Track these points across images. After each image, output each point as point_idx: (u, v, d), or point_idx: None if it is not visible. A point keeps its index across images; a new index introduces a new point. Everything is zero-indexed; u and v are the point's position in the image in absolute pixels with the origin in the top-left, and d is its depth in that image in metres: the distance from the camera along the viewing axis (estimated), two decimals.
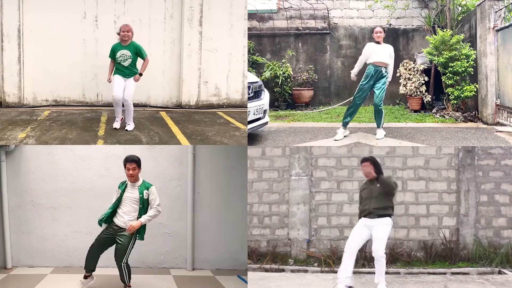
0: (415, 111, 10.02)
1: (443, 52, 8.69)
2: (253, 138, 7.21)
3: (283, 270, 6.08)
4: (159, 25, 8.59)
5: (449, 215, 6.40)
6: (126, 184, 4.87)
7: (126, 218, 4.79)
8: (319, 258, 6.27)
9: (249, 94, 6.52)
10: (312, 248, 6.49)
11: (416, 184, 6.45)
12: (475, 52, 8.63)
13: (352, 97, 7.34)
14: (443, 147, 6.57)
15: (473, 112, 8.91)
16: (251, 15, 11.22)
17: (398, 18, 11.54)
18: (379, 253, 4.63)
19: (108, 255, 4.84)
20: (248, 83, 6.61)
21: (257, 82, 6.83)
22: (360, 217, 4.85)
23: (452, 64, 8.56)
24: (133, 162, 4.79)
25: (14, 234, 5.95)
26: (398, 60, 10.63)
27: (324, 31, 11.57)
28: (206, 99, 8.89)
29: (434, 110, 9.59)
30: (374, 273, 5.52)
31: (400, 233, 6.39)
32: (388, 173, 6.46)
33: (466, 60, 8.50)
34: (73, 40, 8.26)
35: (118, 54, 6.20)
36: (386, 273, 5.60)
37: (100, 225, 4.86)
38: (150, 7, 8.51)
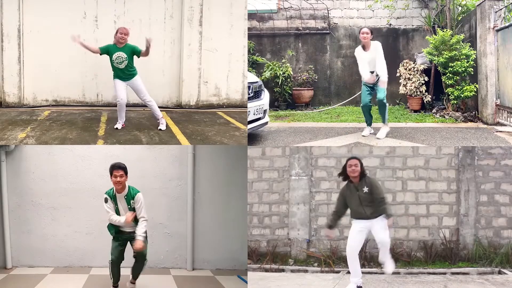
0: (415, 111, 10.02)
1: (443, 52, 8.69)
2: (253, 138, 7.21)
3: (283, 270, 6.08)
4: (159, 25, 8.59)
5: (449, 215, 6.39)
6: (115, 194, 4.72)
7: (129, 226, 4.75)
8: (319, 258, 6.27)
9: (249, 94, 6.52)
10: (312, 248, 6.49)
11: (416, 184, 6.45)
12: (475, 52, 8.63)
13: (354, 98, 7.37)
14: (443, 147, 6.57)
15: (473, 112, 8.91)
16: (251, 15, 11.22)
17: (398, 18, 11.54)
18: (385, 240, 4.61)
19: (108, 255, 4.83)
20: (248, 83, 6.61)
21: (257, 82, 6.83)
22: (334, 220, 4.84)
23: (452, 64, 8.56)
24: (120, 169, 4.61)
25: (14, 234, 5.96)
26: (398, 60, 10.67)
27: (324, 31, 11.57)
28: (206, 99, 8.89)
29: (434, 110, 9.59)
30: (375, 273, 5.55)
31: (400, 233, 6.39)
32: (388, 173, 6.47)
33: (466, 60, 8.50)
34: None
35: (114, 56, 6.11)
36: (386, 273, 5.62)
37: (112, 234, 4.82)
38: (150, 7, 8.51)
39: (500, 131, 7.72)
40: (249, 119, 6.44)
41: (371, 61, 6.80)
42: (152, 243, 5.88)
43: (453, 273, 5.75)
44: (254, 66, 11.03)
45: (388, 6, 11.26)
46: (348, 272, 5.71)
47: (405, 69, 10.27)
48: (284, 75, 10.64)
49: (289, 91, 10.86)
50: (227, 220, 6.23)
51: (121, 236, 4.79)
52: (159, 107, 8.54)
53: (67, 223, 6.06)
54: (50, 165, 6.07)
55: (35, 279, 5.40)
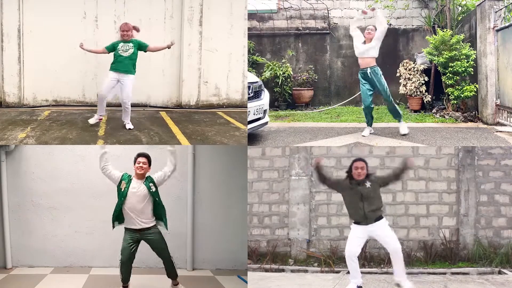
0: (415, 111, 10.02)
1: (443, 52, 8.69)
2: (253, 138, 7.21)
3: (283, 270, 6.08)
4: (159, 25, 8.59)
5: (449, 215, 6.39)
6: (131, 179, 4.79)
7: (142, 218, 4.72)
8: (319, 258, 6.27)
9: (249, 94, 6.52)
10: (312, 248, 6.49)
11: (416, 184, 6.45)
12: (475, 52, 8.63)
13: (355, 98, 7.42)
14: (443, 147, 6.57)
15: (473, 112, 8.91)
16: (251, 15, 11.22)
17: (398, 18, 11.54)
18: (396, 246, 4.46)
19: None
20: (248, 83, 6.61)
21: (257, 82, 6.83)
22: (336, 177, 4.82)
23: (452, 64, 8.56)
24: (144, 157, 4.80)
25: (14, 234, 5.96)
26: (398, 60, 10.68)
27: (324, 31, 11.57)
28: (206, 99, 8.89)
29: (434, 110, 9.60)
30: (375, 273, 5.53)
31: (400, 233, 6.38)
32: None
33: (466, 60, 8.50)
34: (73, 40, 8.20)
35: (120, 45, 6.10)
36: (386, 273, 5.63)
37: (114, 226, 4.77)
38: (150, 7, 8.51)
39: (500, 131, 7.72)
40: (249, 119, 6.45)
41: (364, 51, 6.96)
42: None
43: (453, 273, 5.75)
44: (254, 66, 11.03)
45: (388, 6, 11.25)
46: (348, 272, 5.72)
47: (405, 69, 10.27)
48: (284, 75, 10.64)
49: (289, 91, 10.86)
50: (227, 220, 6.23)
51: (132, 235, 4.72)
52: (159, 107, 8.62)
53: (67, 223, 6.06)
54: (50, 165, 6.07)
55: (35, 279, 5.40)
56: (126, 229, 4.77)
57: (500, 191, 6.40)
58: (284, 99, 10.89)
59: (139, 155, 4.83)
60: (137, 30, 6.33)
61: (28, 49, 8.12)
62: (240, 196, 6.26)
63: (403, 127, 7.40)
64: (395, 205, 6.42)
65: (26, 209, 6.01)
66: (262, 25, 11.61)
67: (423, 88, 9.92)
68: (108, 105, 8.35)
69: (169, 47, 6.42)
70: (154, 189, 4.77)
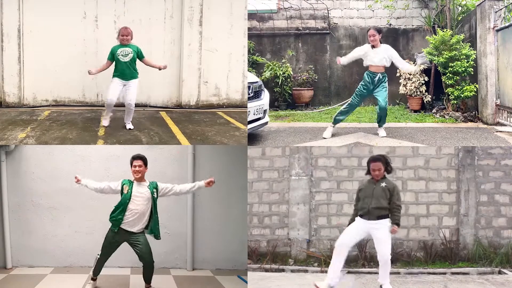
0: (415, 111, 10.02)
1: (443, 52, 8.69)
2: (253, 138, 7.21)
3: (283, 270, 6.08)
4: (159, 25, 8.58)
5: (449, 215, 6.39)
6: (132, 182, 4.79)
7: (142, 221, 4.74)
8: (319, 258, 6.27)
9: (249, 94, 6.52)
10: (312, 248, 6.49)
11: (416, 184, 6.45)
12: (475, 52, 8.63)
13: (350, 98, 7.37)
14: (443, 147, 6.57)
15: (473, 112, 8.91)
16: (251, 15, 11.21)
17: (398, 18, 11.55)
18: (386, 256, 4.48)
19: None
20: (248, 83, 6.61)
21: (257, 82, 6.83)
22: (354, 215, 4.72)
23: (452, 64, 8.56)
24: (139, 159, 4.76)
25: (14, 234, 5.96)
26: None
27: (324, 31, 11.57)
28: (206, 99, 8.89)
29: (434, 110, 9.60)
30: (375, 273, 5.52)
31: (400, 233, 6.36)
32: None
33: (466, 60, 8.50)
34: (73, 40, 8.25)
35: (119, 51, 6.13)
36: None
37: (115, 230, 4.72)
38: (150, 7, 8.51)
39: (500, 131, 7.72)
40: (249, 119, 6.45)
41: (379, 58, 6.76)
42: (152, 243, 5.87)
43: (453, 273, 5.75)
44: (254, 66, 11.03)
45: (388, 6, 11.26)
46: (348, 272, 5.73)
47: None
48: (284, 75, 10.64)
49: (289, 91, 10.86)
50: (227, 220, 6.23)
51: (119, 236, 4.72)
52: (159, 107, 8.62)
53: (67, 223, 6.06)
54: (50, 165, 6.07)
55: (35, 279, 5.40)
56: (119, 229, 4.73)
57: (500, 191, 6.40)
58: (284, 99, 10.89)
59: (134, 158, 4.79)
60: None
61: (28, 49, 8.11)
62: (240, 196, 6.26)
63: (383, 130, 7.34)
64: None
65: (26, 209, 6.01)
66: (262, 25, 11.61)
67: (423, 88, 9.93)
68: None
69: (160, 69, 6.44)
70: (155, 195, 4.80)
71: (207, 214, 6.23)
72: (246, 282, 5.38)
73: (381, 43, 6.85)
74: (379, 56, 6.76)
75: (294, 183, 6.57)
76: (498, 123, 8.29)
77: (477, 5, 8.85)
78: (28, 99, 8.27)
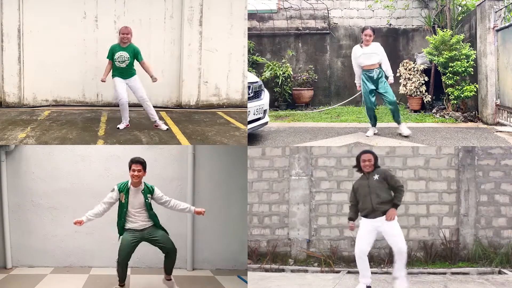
0: (415, 111, 10.02)
1: (443, 52, 8.69)
2: (253, 138, 7.21)
3: (283, 270, 6.08)
4: (159, 25, 8.59)
5: (449, 215, 6.39)
6: (128, 188, 4.73)
7: (142, 219, 4.74)
8: (319, 258, 6.27)
9: (249, 94, 6.52)
10: (312, 248, 6.49)
11: (416, 184, 6.44)
12: (475, 52, 8.63)
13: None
14: (443, 147, 6.57)
15: (473, 112, 8.91)
16: (251, 15, 11.22)
17: (398, 18, 11.55)
18: (403, 248, 4.47)
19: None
20: (248, 83, 6.61)
21: (257, 82, 6.83)
22: (352, 213, 4.74)
23: (452, 64, 8.56)
24: (138, 164, 4.68)
25: (14, 234, 5.96)
26: (398, 60, 10.67)
27: (324, 31, 11.57)
28: (206, 99, 8.89)
29: (434, 110, 9.60)
30: (375, 273, 5.52)
31: None
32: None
33: (466, 60, 8.50)
34: (73, 40, 8.26)
35: (117, 55, 6.18)
36: (386, 273, 5.64)
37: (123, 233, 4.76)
38: (150, 7, 8.52)
39: (500, 131, 7.72)
40: (249, 119, 6.44)
41: (368, 56, 6.89)
42: None
43: (453, 273, 5.74)
44: (254, 66, 11.03)
45: (388, 6, 11.27)
46: (348, 272, 5.74)
47: (405, 69, 10.27)
48: (284, 75, 10.64)
49: (289, 91, 10.86)
50: (227, 220, 6.23)
51: (134, 235, 4.71)
52: (159, 107, 8.62)
53: (67, 223, 6.03)
54: (50, 165, 6.07)
55: (35, 279, 5.40)
56: (126, 229, 4.75)
57: (500, 191, 6.40)
58: (284, 99, 10.89)
59: (134, 161, 4.70)
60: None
61: (28, 49, 8.12)
62: (240, 196, 6.26)
63: (404, 127, 7.37)
64: None
65: (26, 209, 6.01)
66: (262, 25, 11.61)
67: (423, 88, 9.92)
68: (108, 105, 8.41)
69: (152, 78, 6.45)
70: (149, 201, 4.77)
71: (207, 214, 6.20)
72: (246, 282, 5.38)
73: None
74: (368, 54, 6.88)
75: (294, 183, 6.57)
76: (498, 123, 8.29)
77: (477, 5, 8.85)
78: (28, 99, 8.27)
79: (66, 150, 6.09)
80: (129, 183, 4.75)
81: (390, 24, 11.54)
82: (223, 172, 6.27)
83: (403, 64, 10.40)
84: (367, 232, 4.58)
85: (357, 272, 5.74)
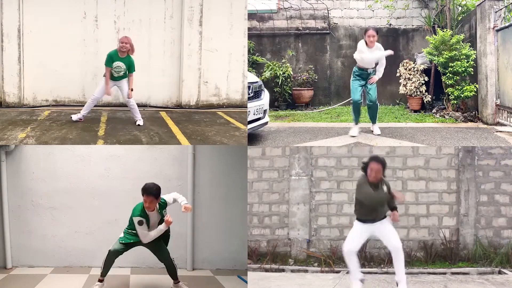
0: (415, 111, 10.02)
1: (443, 52, 8.69)
2: (253, 138, 7.21)
3: (283, 270, 6.08)
4: (159, 25, 8.59)
5: (449, 215, 6.39)
6: (146, 213, 4.65)
7: (152, 233, 4.74)
8: (319, 258, 6.27)
9: (249, 94, 6.52)
10: (312, 248, 6.49)
11: (416, 184, 6.45)
12: (475, 52, 8.63)
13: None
14: (443, 147, 6.57)
15: (473, 112, 8.91)
16: (251, 15, 11.21)
17: (398, 18, 11.54)
18: (398, 244, 4.47)
19: (105, 254, 4.82)
20: (248, 83, 6.61)
21: (257, 82, 6.83)
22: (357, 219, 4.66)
23: (452, 64, 8.56)
24: (150, 196, 4.53)
25: (14, 234, 5.95)
26: (398, 60, 10.67)
27: (324, 31, 11.57)
28: (206, 99, 8.89)
29: (434, 110, 9.59)
30: (375, 273, 5.52)
31: (400, 233, 6.32)
32: (388, 173, 6.45)
33: (466, 60, 8.50)
34: (73, 40, 8.26)
35: (114, 64, 6.41)
36: (386, 273, 5.64)
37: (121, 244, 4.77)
38: (150, 7, 8.52)
39: (500, 131, 7.72)
40: (249, 119, 6.45)
41: (370, 61, 6.94)
42: None
43: (453, 273, 5.75)
44: (254, 66, 11.03)
45: (388, 6, 11.26)
46: (348, 272, 5.72)
47: (405, 69, 10.27)
48: (284, 75, 10.64)
49: (289, 91, 10.86)
50: (227, 220, 6.23)
51: (137, 239, 4.75)
52: (159, 107, 8.62)
53: (67, 223, 6.06)
54: (50, 165, 6.06)
55: (35, 279, 5.40)
56: (131, 233, 4.76)
57: (500, 191, 6.40)
58: (284, 99, 10.89)
59: (146, 193, 4.55)
60: (133, 50, 6.53)
61: (28, 49, 8.12)
62: (240, 196, 6.26)
63: (377, 128, 7.47)
64: None
65: (26, 209, 6.01)
66: (262, 25, 11.61)
67: (423, 88, 9.92)
68: (108, 105, 8.40)
69: (128, 93, 6.63)
70: (163, 214, 4.79)
71: (207, 214, 6.23)
72: (246, 282, 5.38)
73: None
74: (371, 58, 6.90)
75: (294, 183, 6.57)
76: (498, 123, 8.29)
77: (477, 5, 8.85)
78: (28, 99, 8.28)
79: (66, 150, 6.08)
80: (143, 206, 4.66)
81: (390, 24, 11.53)
82: (223, 172, 6.27)
83: (403, 64, 10.40)
84: (360, 232, 4.58)
85: None
